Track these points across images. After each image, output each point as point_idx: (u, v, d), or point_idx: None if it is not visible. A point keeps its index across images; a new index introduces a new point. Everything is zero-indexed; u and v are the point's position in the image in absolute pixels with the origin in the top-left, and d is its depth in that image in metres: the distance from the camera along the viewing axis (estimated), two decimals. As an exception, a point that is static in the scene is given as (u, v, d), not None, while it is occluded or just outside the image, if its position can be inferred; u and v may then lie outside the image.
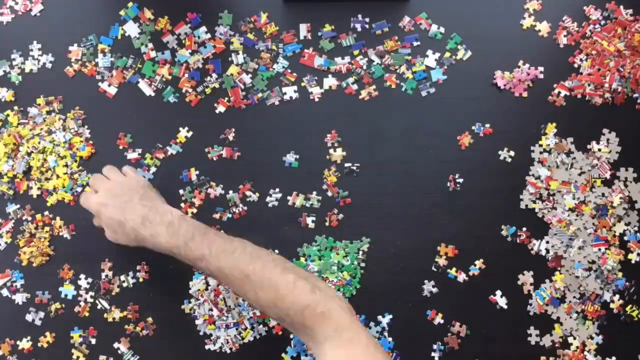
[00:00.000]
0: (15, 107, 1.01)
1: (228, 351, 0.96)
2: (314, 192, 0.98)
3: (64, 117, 1.00)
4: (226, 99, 1.00)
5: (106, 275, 0.97)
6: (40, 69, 1.01)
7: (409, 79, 0.99)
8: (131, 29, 1.02)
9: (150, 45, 1.01)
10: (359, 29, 1.00)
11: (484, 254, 0.96)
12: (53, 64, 1.01)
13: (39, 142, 0.99)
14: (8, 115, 1.00)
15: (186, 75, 1.00)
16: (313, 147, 0.99)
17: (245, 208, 0.98)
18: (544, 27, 1.00)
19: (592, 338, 0.94)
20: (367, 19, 1.00)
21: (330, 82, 1.00)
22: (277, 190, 0.98)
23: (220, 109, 1.00)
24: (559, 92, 0.99)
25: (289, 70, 1.00)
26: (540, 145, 0.97)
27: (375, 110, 0.99)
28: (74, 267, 0.98)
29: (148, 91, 1.00)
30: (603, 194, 0.96)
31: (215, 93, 1.00)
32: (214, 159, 0.99)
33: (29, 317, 0.97)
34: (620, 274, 0.95)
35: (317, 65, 1.00)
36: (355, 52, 1.00)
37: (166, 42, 1.01)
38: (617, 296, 0.94)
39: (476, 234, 0.97)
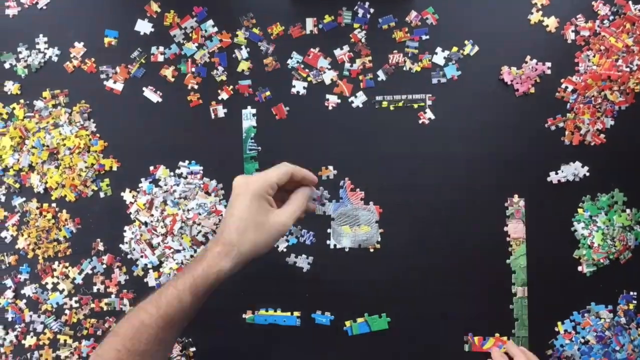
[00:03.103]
0: (21, 101, 1.01)
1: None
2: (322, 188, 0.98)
3: (70, 111, 1.00)
4: (230, 87, 1.00)
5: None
6: (46, 63, 1.01)
7: (416, 72, 0.99)
8: (143, 27, 1.01)
9: (161, 49, 1.01)
10: (360, 15, 1.00)
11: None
12: (59, 57, 1.01)
13: (45, 137, 0.99)
14: (14, 108, 1.00)
15: (193, 69, 1.00)
16: (318, 144, 0.99)
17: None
18: (551, 23, 0.99)
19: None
20: (371, 10, 1.00)
21: (330, 75, 1.00)
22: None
23: (224, 95, 1.00)
24: (566, 88, 0.98)
25: (302, 66, 1.00)
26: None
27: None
28: (79, 260, 0.98)
29: (155, 98, 1.00)
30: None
31: (222, 86, 1.00)
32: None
33: (31, 316, 0.97)
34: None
35: (319, 66, 1.00)
36: (355, 25, 1.00)
37: (173, 35, 1.01)
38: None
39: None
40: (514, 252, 0.96)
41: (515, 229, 0.96)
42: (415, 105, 0.98)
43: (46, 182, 0.99)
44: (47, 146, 0.99)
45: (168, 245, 0.97)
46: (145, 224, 0.98)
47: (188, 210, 0.98)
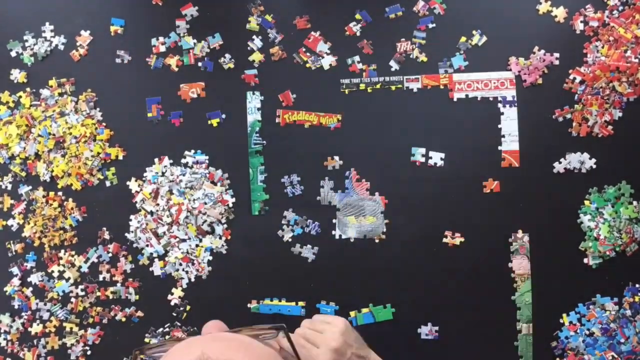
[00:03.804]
0: (28, 89, 1.01)
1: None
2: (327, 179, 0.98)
3: (76, 100, 1.00)
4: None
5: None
6: (52, 51, 1.01)
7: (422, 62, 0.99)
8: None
9: (161, 39, 1.00)
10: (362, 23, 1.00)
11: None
12: (65, 45, 1.01)
13: (51, 125, 0.99)
14: (20, 97, 1.00)
15: (200, 64, 1.00)
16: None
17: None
18: (560, 13, 0.98)
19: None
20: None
21: (328, 60, 0.99)
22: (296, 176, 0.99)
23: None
24: (574, 79, 0.97)
25: (303, 49, 1.00)
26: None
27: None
28: (85, 248, 0.98)
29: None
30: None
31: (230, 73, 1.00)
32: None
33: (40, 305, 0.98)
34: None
35: (319, 50, 0.99)
36: (358, 17, 0.99)
37: (177, 25, 1.00)
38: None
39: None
40: (519, 288, 0.95)
41: (520, 264, 0.96)
42: (393, 87, 0.98)
43: (52, 171, 0.99)
44: (54, 134, 0.99)
45: (174, 234, 0.98)
46: (151, 213, 0.98)
47: (194, 199, 0.98)
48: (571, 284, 0.95)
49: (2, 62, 1.01)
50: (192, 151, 0.99)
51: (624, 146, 0.96)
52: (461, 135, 0.97)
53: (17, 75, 1.01)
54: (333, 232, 0.97)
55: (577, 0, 0.98)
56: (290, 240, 0.97)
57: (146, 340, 0.97)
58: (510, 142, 0.97)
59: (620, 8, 0.98)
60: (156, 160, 0.99)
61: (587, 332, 0.94)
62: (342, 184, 0.98)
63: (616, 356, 0.93)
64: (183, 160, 0.99)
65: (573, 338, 0.94)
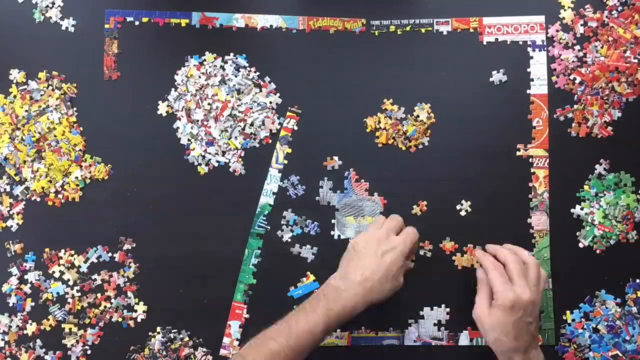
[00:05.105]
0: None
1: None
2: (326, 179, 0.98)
3: (60, 94, 0.99)
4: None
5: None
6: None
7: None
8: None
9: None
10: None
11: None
12: (75, 27, 1.00)
13: (35, 125, 0.98)
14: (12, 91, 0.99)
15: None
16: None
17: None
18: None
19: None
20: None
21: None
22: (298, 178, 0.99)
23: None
24: (574, 79, 0.97)
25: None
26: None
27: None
28: (84, 248, 0.98)
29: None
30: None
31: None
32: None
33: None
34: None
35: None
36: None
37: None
38: None
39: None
40: (537, 244, 0.96)
41: (539, 220, 0.96)
42: (423, 30, 0.98)
43: (38, 180, 0.98)
44: (40, 133, 0.98)
45: (210, 130, 0.97)
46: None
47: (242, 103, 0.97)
48: (571, 282, 0.96)
49: (2, 62, 1.00)
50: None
51: (623, 147, 0.97)
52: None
53: (17, 76, 1.00)
54: (332, 233, 0.97)
55: (576, 1, 0.98)
56: (289, 240, 0.97)
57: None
58: (539, 86, 0.97)
59: (620, 8, 0.98)
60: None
61: (594, 327, 0.95)
62: (341, 184, 0.98)
63: (621, 355, 0.93)
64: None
65: (580, 334, 0.95)
